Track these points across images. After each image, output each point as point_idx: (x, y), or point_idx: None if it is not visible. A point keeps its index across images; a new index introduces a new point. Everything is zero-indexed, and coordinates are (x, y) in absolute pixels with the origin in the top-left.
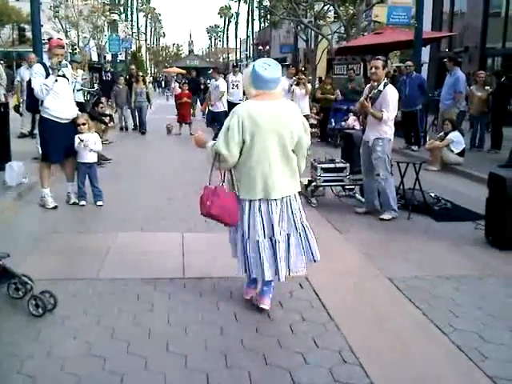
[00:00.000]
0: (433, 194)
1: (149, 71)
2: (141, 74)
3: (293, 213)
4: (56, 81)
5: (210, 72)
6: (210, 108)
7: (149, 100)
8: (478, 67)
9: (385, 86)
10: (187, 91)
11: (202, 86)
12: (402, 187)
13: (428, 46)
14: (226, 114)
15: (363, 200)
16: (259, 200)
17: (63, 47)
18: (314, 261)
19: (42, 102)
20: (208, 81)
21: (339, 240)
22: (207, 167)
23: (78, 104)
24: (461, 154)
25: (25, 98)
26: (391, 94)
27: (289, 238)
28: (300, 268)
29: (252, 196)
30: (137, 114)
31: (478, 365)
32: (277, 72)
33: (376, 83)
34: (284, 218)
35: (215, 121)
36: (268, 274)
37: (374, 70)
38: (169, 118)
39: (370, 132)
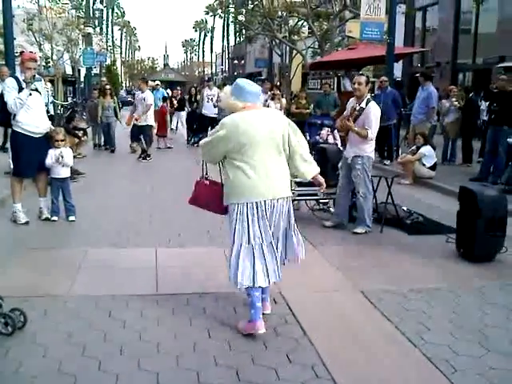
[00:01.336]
0: (405, 208)
1: (124, 84)
2: (108, 86)
3: (289, 215)
4: (30, 95)
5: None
6: (135, 122)
7: (116, 115)
8: (449, 82)
9: (367, 103)
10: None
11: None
12: (374, 201)
13: (401, 62)
14: (150, 128)
15: None
16: (258, 202)
17: (36, 61)
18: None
19: (15, 115)
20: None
21: (313, 254)
22: (182, 181)
23: (49, 117)
24: (433, 167)
25: None
26: (374, 112)
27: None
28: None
29: (250, 199)
30: (104, 130)
31: (449, 377)
32: (257, 87)
33: (359, 99)
34: (279, 220)
35: (140, 135)
36: (271, 277)
37: (357, 85)
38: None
39: (351, 149)
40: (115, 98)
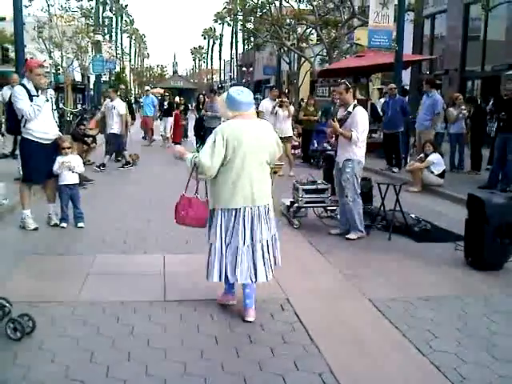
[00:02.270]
0: (413, 215)
1: (132, 92)
2: (118, 93)
3: (269, 222)
4: (47, 100)
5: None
6: (108, 130)
7: (126, 122)
8: (458, 90)
9: (354, 108)
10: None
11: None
12: (382, 208)
13: (409, 69)
14: (117, 137)
15: None
16: (239, 209)
17: (44, 66)
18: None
19: (25, 123)
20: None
21: (320, 261)
22: (191, 189)
23: None
24: (441, 175)
25: (3, 120)
26: (360, 115)
27: (266, 245)
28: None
29: (233, 205)
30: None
31: None
32: (249, 97)
33: (345, 106)
34: (263, 226)
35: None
36: (244, 276)
37: (338, 95)
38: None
39: (341, 153)
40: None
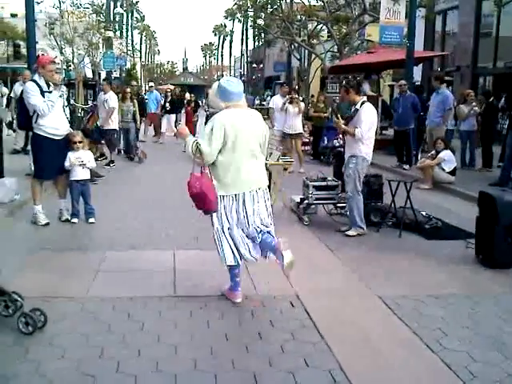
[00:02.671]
0: (424, 213)
1: (143, 88)
2: (128, 90)
3: (266, 205)
4: (60, 96)
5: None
6: (99, 125)
7: (135, 120)
8: (469, 86)
9: (362, 105)
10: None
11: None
12: (393, 205)
13: (420, 65)
14: (116, 132)
15: None
16: (239, 194)
17: (55, 62)
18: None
19: (37, 119)
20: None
21: (330, 258)
22: None
23: None
24: (452, 172)
25: (15, 116)
26: (365, 112)
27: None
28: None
29: (233, 191)
30: (122, 136)
31: (467, 383)
32: (240, 86)
33: (352, 105)
34: (262, 208)
35: (103, 139)
36: (256, 256)
37: (344, 99)
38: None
39: (347, 150)
40: (135, 101)
